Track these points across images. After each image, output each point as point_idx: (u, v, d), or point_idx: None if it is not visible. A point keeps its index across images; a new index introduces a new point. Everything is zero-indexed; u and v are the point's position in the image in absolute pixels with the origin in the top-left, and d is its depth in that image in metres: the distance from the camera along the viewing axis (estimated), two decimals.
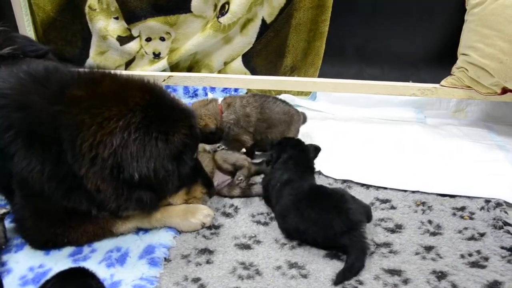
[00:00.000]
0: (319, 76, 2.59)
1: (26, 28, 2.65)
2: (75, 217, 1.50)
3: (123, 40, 2.65)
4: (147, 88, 1.47)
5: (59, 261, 1.46)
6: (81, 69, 1.50)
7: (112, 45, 2.66)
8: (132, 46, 2.65)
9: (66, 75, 1.46)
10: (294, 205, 1.52)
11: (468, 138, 2.22)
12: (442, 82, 2.26)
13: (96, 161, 1.32)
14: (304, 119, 2.14)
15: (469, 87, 2.20)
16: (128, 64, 2.73)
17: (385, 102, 2.52)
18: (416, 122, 2.41)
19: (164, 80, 2.41)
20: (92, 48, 2.73)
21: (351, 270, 1.39)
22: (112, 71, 1.51)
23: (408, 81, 2.34)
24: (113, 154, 1.32)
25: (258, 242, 1.54)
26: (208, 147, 1.94)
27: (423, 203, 1.71)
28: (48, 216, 1.48)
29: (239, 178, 1.73)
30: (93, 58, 2.73)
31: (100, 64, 2.70)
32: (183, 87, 2.61)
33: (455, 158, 2.02)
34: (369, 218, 1.55)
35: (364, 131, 2.30)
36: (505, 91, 2.13)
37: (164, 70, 2.65)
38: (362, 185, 1.84)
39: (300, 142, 1.82)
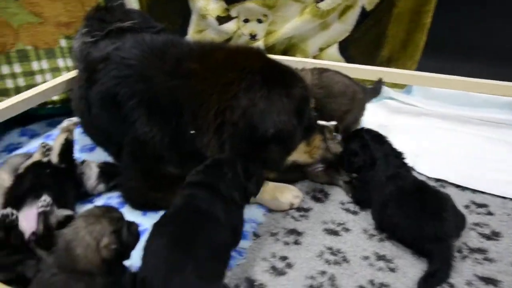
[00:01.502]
0: (417, 70, 2.51)
1: (133, 4, 2.83)
2: (176, 184, 1.60)
3: (222, 20, 2.73)
4: (256, 52, 1.60)
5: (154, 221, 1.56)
6: (194, 42, 1.59)
7: (211, 24, 2.75)
8: (230, 26, 2.72)
9: (182, 49, 1.56)
10: (396, 197, 1.50)
11: None
12: None
13: (224, 128, 1.40)
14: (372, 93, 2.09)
15: None
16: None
17: (486, 102, 2.37)
18: None
19: None
20: (191, 26, 2.85)
21: (433, 279, 1.34)
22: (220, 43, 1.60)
23: None
24: (242, 116, 1.39)
25: (347, 229, 1.55)
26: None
27: None
28: (152, 180, 1.60)
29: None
30: (192, 36, 2.84)
31: None
32: None
33: None
34: (462, 228, 1.50)
35: (461, 131, 2.18)
36: None
37: None
38: (457, 186, 1.78)
39: (381, 135, 1.73)
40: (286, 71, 1.54)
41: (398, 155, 1.66)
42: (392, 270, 1.38)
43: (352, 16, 2.53)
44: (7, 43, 2.17)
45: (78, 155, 1.92)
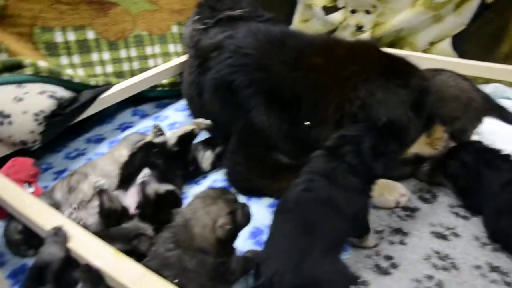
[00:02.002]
0: None
1: None
2: (284, 172, 1.63)
3: (328, 10, 2.69)
4: (374, 46, 1.58)
5: (260, 210, 1.59)
6: (311, 35, 1.60)
7: (317, 14, 2.72)
8: (336, 16, 2.67)
9: (302, 41, 1.58)
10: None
11: None
12: None
13: (343, 121, 1.42)
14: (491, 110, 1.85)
15: None
16: (329, 34, 2.79)
17: None
18: None
19: None
20: (296, 15, 2.84)
21: None
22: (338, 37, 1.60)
23: None
24: (361, 107, 1.40)
25: (456, 235, 1.47)
26: None
27: None
28: (261, 167, 1.64)
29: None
30: (296, 25, 2.83)
31: None
32: None
33: None
34: None
35: None
36: None
37: None
38: None
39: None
40: (405, 63, 1.51)
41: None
42: (508, 284, 1.29)
43: (469, 9, 2.36)
44: (126, 29, 2.34)
45: None
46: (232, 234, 1.22)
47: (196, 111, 2.03)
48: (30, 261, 1.40)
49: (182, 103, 2.29)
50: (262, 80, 1.58)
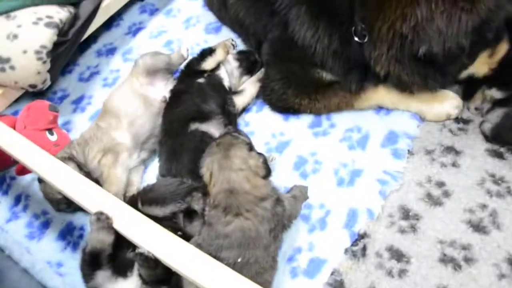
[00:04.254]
0: None
1: None
2: (322, 90, 1.47)
3: None
4: None
5: (299, 131, 1.50)
6: None
7: None
8: None
9: None
10: None
11: None
12: None
13: (394, 42, 1.22)
14: None
15: None
16: None
17: None
18: None
19: None
20: None
21: None
22: None
23: None
24: (413, 28, 1.19)
25: None
26: None
27: None
28: (300, 85, 1.47)
29: None
30: None
31: None
32: None
33: None
34: None
35: None
36: None
37: None
38: None
39: None
40: None
41: None
42: None
43: None
44: None
45: (202, 36, 1.80)
46: (268, 165, 1.17)
47: (216, 8, 1.74)
48: (74, 219, 1.41)
49: None
50: None
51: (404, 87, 1.36)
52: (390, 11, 1.20)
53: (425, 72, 1.29)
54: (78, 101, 1.70)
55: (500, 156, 1.37)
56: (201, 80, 1.50)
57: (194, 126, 1.37)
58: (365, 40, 1.28)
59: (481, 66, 1.37)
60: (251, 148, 1.17)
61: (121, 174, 1.29)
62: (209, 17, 1.85)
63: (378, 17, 1.22)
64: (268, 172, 1.15)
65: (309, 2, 1.32)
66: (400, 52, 1.24)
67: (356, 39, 1.29)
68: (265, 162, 1.16)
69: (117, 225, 1.09)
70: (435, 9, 1.15)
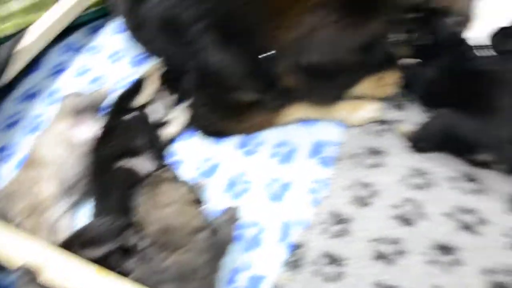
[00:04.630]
0: None
1: None
2: (246, 111, 1.51)
3: None
4: None
5: (228, 153, 1.53)
6: None
7: None
8: None
9: None
10: None
11: None
12: None
13: (291, 52, 1.26)
14: None
15: None
16: None
17: None
18: None
19: None
20: None
21: None
22: None
23: None
24: (303, 37, 1.22)
25: None
26: None
27: None
28: (225, 108, 1.51)
29: None
30: None
31: None
32: None
33: None
34: None
35: None
36: None
37: None
38: None
39: None
40: None
41: None
42: (480, 191, 1.33)
43: None
44: None
45: (129, 70, 1.81)
46: (198, 193, 1.21)
47: (139, 41, 1.76)
48: None
49: (118, 21, 1.97)
50: (212, 11, 1.33)
51: (312, 100, 1.42)
52: (288, 19, 1.23)
53: (317, 84, 1.33)
54: (1, 150, 1.66)
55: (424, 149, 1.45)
56: (128, 116, 1.51)
57: (122, 163, 1.38)
58: (272, 53, 1.31)
59: (369, 88, 1.45)
60: (176, 179, 1.20)
61: (46, 235, 1.27)
62: (135, 50, 1.86)
63: (278, 27, 1.25)
64: (199, 201, 1.18)
65: (216, 25, 1.35)
66: (295, 62, 1.28)
67: (265, 54, 1.32)
68: (195, 190, 1.19)
69: (47, 277, 1.07)
70: (328, 18, 1.19)
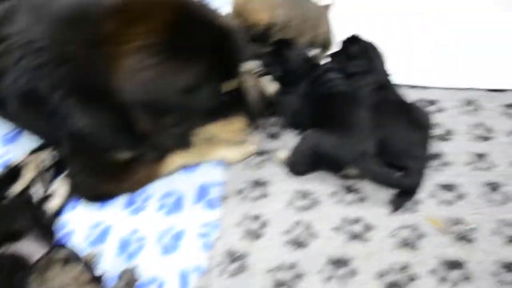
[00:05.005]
0: None
1: None
2: (125, 169, 1.47)
3: None
4: (178, 3, 1.29)
5: (116, 215, 1.47)
6: None
7: None
8: None
9: (97, 8, 1.27)
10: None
11: None
12: None
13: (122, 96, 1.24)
14: None
15: None
16: None
17: None
18: None
19: None
20: None
21: (405, 195, 1.40)
22: None
23: None
24: (124, 79, 1.21)
25: None
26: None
27: (472, 102, 1.66)
28: (103, 171, 1.47)
29: None
30: None
31: None
32: None
33: (503, 40, 1.87)
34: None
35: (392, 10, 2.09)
36: None
37: None
38: (407, 85, 1.73)
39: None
40: (203, 33, 1.26)
41: None
42: (362, 200, 1.42)
43: None
44: None
45: (1, 149, 1.70)
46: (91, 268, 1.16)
47: (5, 118, 1.66)
48: None
49: None
50: (68, 75, 1.30)
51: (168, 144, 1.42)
52: (119, 65, 1.22)
53: (163, 127, 1.31)
54: None
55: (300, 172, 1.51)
56: (5, 202, 1.41)
57: (3, 249, 1.26)
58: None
59: (220, 132, 1.45)
60: (68, 260, 1.13)
61: None
62: (5, 127, 1.75)
63: (110, 76, 1.23)
64: (93, 276, 1.11)
65: (75, 89, 1.32)
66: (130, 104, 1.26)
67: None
68: (90, 267, 1.12)
69: None
70: (143, 61, 1.18)
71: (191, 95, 1.24)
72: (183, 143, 1.44)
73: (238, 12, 1.72)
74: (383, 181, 1.41)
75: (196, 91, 1.24)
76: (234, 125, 1.44)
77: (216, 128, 1.41)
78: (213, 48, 1.26)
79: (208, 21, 1.29)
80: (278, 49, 1.61)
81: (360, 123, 1.43)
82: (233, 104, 1.38)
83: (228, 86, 1.32)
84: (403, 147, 1.43)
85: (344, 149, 1.39)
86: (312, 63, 1.62)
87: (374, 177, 1.41)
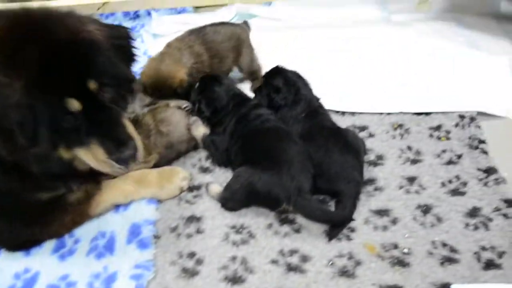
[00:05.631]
0: None
1: None
2: (50, 211, 1.39)
3: None
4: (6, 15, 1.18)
5: (44, 261, 1.38)
6: None
7: None
8: None
9: None
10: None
11: (438, 35, 2.14)
12: None
13: None
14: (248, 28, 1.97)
15: None
16: None
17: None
18: (381, 21, 2.27)
19: (98, 9, 2.08)
20: None
21: (339, 224, 1.40)
22: None
23: None
24: None
25: None
26: (173, 102, 1.71)
27: (400, 126, 1.70)
28: (23, 215, 1.37)
29: None
30: None
31: None
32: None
33: (426, 66, 1.96)
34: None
35: (327, 41, 2.15)
36: None
37: None
38: (337, 111, 1.78)
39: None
40: (26, 44, 1.12)
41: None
42: (297, 231, 1.40)
43: None
44: None
45: None
46: None
47: None
48: None
49: None
50: None
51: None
52: None
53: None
54: None
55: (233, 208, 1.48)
56: None
57: None
58: None
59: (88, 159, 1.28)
60: None
61: None
62: None
63: None
64: None
65: None
66: None
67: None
68: None
69: None
70: None
71: (27, 110, 1.11)
72: (58, 166, 1.28)
73: (153, 79, 1.69)
74: (317, 218, 1.39)
75: (31, 106, 1.11)
76: (95, 155, 1.26)
77: (81, 153, 1.27)
78: (43, 62, 1.13)
79: (43, 33, 1.16)
80: (205, 86, 1.60)
81: (292, 158, 1.40)
82: (95, 129, 1.22)
83: (74, 104, 1.16)
84: (337, 171, 1.43)
85: (279, 186, 1.36)
86: (241, 98, 1.62)
87: (309, 215, 1.38)
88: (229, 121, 1.56)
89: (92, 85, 1.18)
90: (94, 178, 1.42)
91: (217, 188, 1.48)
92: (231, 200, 1.44)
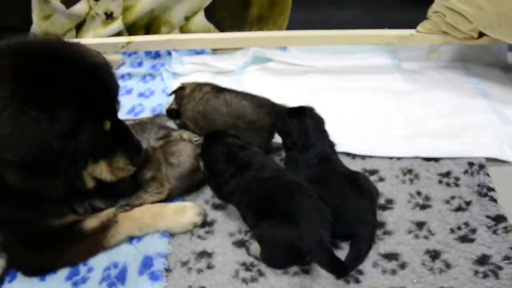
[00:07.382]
0: (288, 24, 2.44)
1: None
2: (65, 239, 1.44)
3: (69, 1, 2.35)
4: (22, 48, 1.24)
5: (58, 287, 1.41)
6: None
7: (57, 9, 2.37)
8: (80, 7, 2.39)
9: None
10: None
11: (448, 83, 2.20)
12: (419, 28, 2.17)
13: None
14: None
15: (446, 32, 2.13)
16: (79, 28, 2.46)
17: (358, 47, 2.42)
18: (392, 68, 2.35)
19: (122, 47, 2.19)
20: (34, 12, 2.42)
21: (355, 261, 1.40)
22: None
23: (383, 27, 2.24)
24: None
25: None
26: (186, 135, 1.79)
27: (410, 171, 1.73)
28: (38, 242, 1.42)
29: None
30: (38, 24, 2.44)
31: (47, 30, 2.41)
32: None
33: (436, 113, 2.01)
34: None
35: (339, 85, 2.23)
36: (481, 34, 2.08)
37: (120, 32, 2.42)
38: (348, 154, 1.83)
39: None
40: (60, 78, 1.21)
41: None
42: (306, 272, 1.41)
43: None
44: None
45: None
46: None
47: None
48: None
49: None
50: None
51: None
52: None
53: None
54: None
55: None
56: None
57: None
58: None
59: (103, 173, 1.42)
60: None
61: None
62: None
63: None
64: None
65: None
66: None
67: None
68: None
69: None
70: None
71: (70, 138, 1.19)
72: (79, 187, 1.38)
73: None
74: (332, 269, 1.34)
75: (73, 136, 1.20)
76: (115, 164, 1.40)
77: (99, 168, 1.37)
78: (78, 90, 1.21)
79: (62, 60, 1.23)
80: (204, 146, 1.61)
81: (308, 212, 1.38)
82: (114, 143, 1.36)
83: (108, 124, 1.31)
84: (354, 215, 1.45)
85: (302, 240, 1.33)
86: (244, 160, 1.54)
87: (326, 265, 1.33)
88: (234, 189, 1.52)
89: (117, 105, 1.36)
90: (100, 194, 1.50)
91: (254, 248, 1.46)
92: (274, 257, 1.42)
